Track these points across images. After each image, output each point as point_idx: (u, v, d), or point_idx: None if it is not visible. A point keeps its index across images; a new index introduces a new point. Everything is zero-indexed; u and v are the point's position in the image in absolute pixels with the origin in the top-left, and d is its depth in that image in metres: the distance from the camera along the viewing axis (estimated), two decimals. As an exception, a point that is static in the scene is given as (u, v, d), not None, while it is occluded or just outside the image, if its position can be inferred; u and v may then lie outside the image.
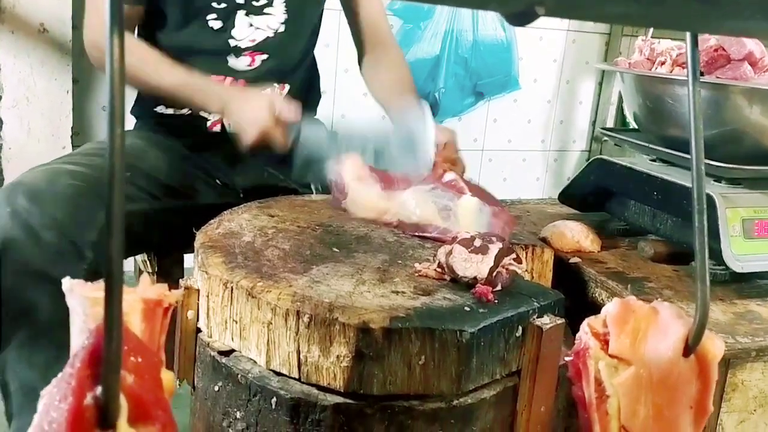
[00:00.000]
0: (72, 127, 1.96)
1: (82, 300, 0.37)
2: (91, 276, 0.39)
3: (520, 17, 0.38)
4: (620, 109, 2.73)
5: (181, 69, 1.23)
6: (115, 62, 0.30)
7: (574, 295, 1.06)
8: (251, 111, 1.16)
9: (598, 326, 0.49)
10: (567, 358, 0.50)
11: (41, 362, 0.97)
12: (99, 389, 0.32)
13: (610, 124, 2.78)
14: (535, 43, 2.64)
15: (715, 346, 0.47)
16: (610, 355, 0.49)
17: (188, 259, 1.19)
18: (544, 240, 1.16)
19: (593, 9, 0.38)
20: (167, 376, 0.37)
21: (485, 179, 2.73)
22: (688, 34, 0.47)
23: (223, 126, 1.33)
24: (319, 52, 1.51)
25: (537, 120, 2.77)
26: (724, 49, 1.04)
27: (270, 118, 1.15)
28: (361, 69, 1.51)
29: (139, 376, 0.34)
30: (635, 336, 0.49)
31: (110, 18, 0.30)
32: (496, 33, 2.47)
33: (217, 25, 1.27)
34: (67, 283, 0.38)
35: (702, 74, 1.07)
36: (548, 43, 2.69)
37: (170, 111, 1.33)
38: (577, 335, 0.50)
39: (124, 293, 0.39)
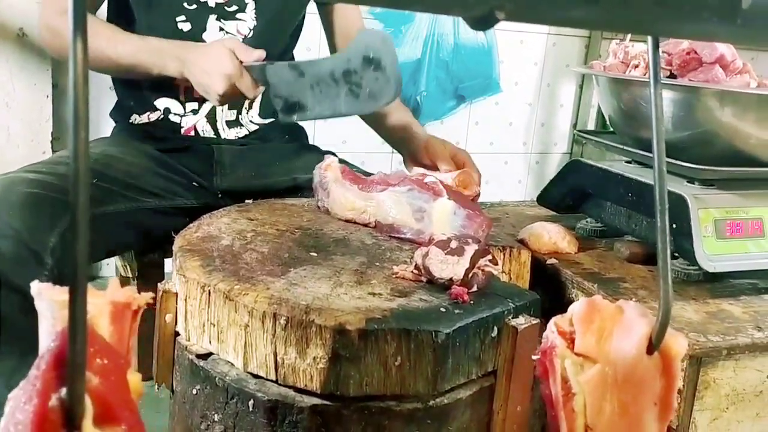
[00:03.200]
0: (51, 132, 1.96)
1: (50, 303, 0.38)
2: (52, 281, 0.39)
3: (482, 21, 0.39)
4: (600, 112, 2.76)
5: (135, 36, 1.22)
6: (78, 66, 0.30)
7: (551, 296, 1.07)
8: (211, 62, 1.13)
9: (565, 325, 0.50)
10: (534, 357, 0.51)
11: (4, 370, 0.97)
12: (64, 391, 0.32)
13: (591, 126, 2.81)
14: (515, 47, 2.66)
15: (677, 343, 0.48)
16: (576, 354, 0.49)
17: (168, 264, 1.19)
18: (522, 241, 1.17)
19: (553, 13, 0.39)
20: (135, 378, 0.37)
21: (468, 182, 2.75)
22: (649, 38, 0.48)
23: (196, 130, 1.34)
24: (299, 56, 1.51)
25: (518, 123, 2.79)
26: (696, 52, 1.06)
27: (232, 64, 1.12)
28: None
29: (105, 378, 0.34)
30: (600, 334, 0.50)
31: (73, 22, 0.30)
32: (476, 37, 2.49)
33: (186, 27, 1.27)
34: (35, 287, 0.39)
35: (675, 77, 1.08)
36: (529, 47, 2.71)
37: (144, 119, 1.33)
38: (544, 334, 0.51)
39: (93, 296, 0.39)
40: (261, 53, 1.14)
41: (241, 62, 1.12)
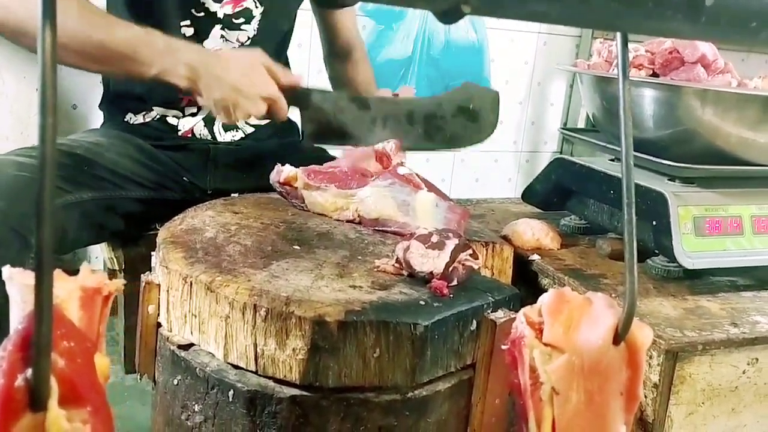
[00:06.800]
0: (41, 125, 1.96)
1: (21, 287, 0.38)
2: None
3: (448, 15, 0.40)
4: (591, 111, 2.76)
5: (136, 26, 1.07)
6: (46, 52, 0.31)
7: (533, 292, 1.08)
8: (245, 79, 1.03)
9: (534, 316, 0.51)
10: (504, 347, 0.51)
11: None
12: (29, 371, 0.33)
13: (581, 125, 2.82)
14: (506, 45, 2.67)
15: (643, 334, 0.49)
16: (545, 344, 0.50)
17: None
18: (506, 238, 1.18)
19: (516, 8, 0.40)
20: (102, 362, 0.38)
21: (458, 180, 2.76)
22: (618, 34, 0.49)
23: (193, 133, 1.34)
24: (291, 52, 1.53)
25: (509, 121, 2.80)
26: (678, 52, 1.07)
27: (272, 86, 1.03)
28: (326, 65, 1.59)
29: (72, 360, 0.35)
30: (568, 325, 0.50)
31: (43, 6, 0.31)
32: (467, 35, 2.49)
33: (189, 32, 1.27)
34: (6, 271, 0.39)
35: (657, 75, 1.09)
36: (519, 45, 2.71)
37: (139, 120, 1.33)
38: (513, 324, 0.51)
39: (63, 281, 0.40)
40: (299, 78, 1.08)
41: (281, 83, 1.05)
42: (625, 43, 0.49)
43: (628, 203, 0.49)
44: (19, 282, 0.38)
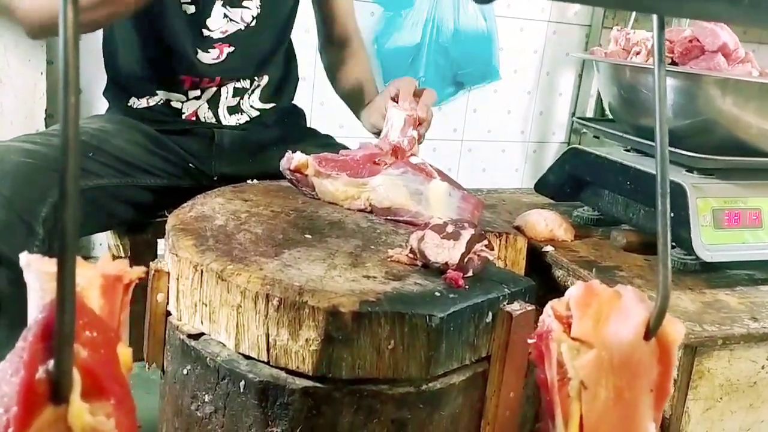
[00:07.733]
0: (45, 109, 1.94)
1: (40, 275, 0.37)
2: (43, 252, 0.38)
3: (484, -5, 0.38)
4: (599, 101, 2.74)
5: None
6: (68, 29, 0.29)
7: (546, 283, 1.07)
8: None
9: (562, 309, 0.50)
10: (530, 341, 0.50)
11: None
12: (51, 363, 0.31)
13: (589, 115, 2.79)
14: (515, 34, 2.65)
15: (675, 329, 0.47)
16: (573, 338, 0.49)
17: (161, 244, 1.18)
18: (518, 228, 1.16)
19: (557, -12, 0.38)
20: (125, 352, 0.36)
21: (464, 169, 2.74)
22: (654, 17, 0.47)
23: (198, 116, 1.32)
24: (297, 37, 1.50)
25: (517, 111, 2.78)
26: (698, 40, 1.05)
27: None
28: (321, 54, 1.56)
29: (94, 351, 0.33)
30: (598, 319, 0.49)
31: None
32: (477, 23, 2.46)
33: (191, 9, 1.25)
34: (24, 258, 0.38)
35: (676, 64, 1.07)
36: (529, 34, 2.69)
37: (143, 104, 1.31)
38: (541, 318, 0.50)
39: (83, 268, 0.38)
40: None
41: None
42: (661, 26, 0.47)
43: (662, 193, 0.47)
44: (38, 269, 0.37)
